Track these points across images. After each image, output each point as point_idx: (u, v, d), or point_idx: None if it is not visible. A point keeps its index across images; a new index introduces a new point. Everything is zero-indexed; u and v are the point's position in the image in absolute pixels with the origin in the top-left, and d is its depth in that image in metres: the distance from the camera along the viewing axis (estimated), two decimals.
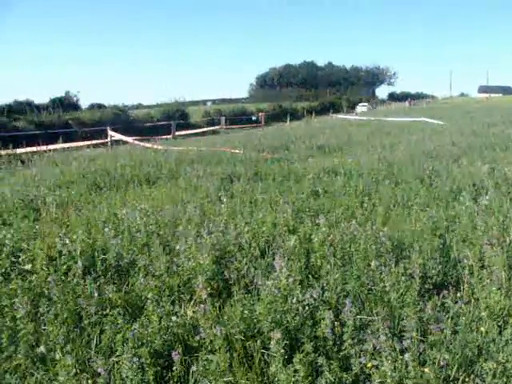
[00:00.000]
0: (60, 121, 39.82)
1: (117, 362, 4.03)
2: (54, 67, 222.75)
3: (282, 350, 3.78)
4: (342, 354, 4.11)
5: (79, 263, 5.68)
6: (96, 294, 5.03)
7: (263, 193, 9.69)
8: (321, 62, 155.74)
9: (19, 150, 20.55)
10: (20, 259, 6.24)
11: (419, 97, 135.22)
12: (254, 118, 56.92)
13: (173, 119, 38.98)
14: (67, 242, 6.44)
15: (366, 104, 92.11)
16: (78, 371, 4.04)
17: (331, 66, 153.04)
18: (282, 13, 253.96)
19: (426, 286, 5.41)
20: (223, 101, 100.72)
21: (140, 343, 4.15)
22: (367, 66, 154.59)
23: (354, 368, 3.88)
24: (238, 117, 55.92)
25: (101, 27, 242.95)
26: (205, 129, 43.14)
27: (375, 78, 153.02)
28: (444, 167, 12.14)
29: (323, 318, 4.29)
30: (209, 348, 4.20)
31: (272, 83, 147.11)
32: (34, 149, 21.04)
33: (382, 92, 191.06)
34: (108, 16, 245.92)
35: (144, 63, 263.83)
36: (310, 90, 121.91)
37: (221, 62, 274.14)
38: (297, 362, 3.65)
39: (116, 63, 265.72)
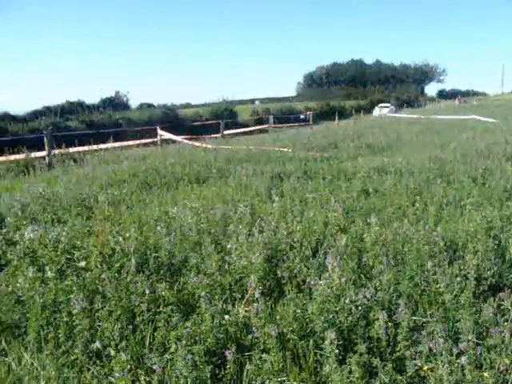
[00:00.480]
0: (110, 120, 40.71)
1: (170, 360, 4.08)
2: (104, 66, 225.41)
3: (336, 351, 3.77)
4: (395, 355, 4.06)
5: (132, 261, 5.76)
6: (148, 292, 5.09)
7: (313, 192, 9.63)
8: (369, 60, 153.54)
9: (72, 149, 20.94)
10: (74, 256, 6.36)
11: (469, 94, 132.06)
12: (302, 116, 56.60)
13: (221, 118, 39.13)
14: (120, 239, 6.54)
15: (387, 105, 72.86)
16: (133, 367, 4.11)
17: (379, 64, 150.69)
18: (327, 11, 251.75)
19: (481, 288, 5.30)
20: (271, 99, 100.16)
21: (193, 341, 4.18)
22: (416, 63, 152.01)
23: (408, 370, 3.82)
24: (285, 115, 55.79)
25: (148, 25, 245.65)
26: (253, 128, 43.09)
27: (424, 75, 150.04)
28: (497, 166, 11.87)
29: (377, 319, 4.26)
30: (261, 347, 4.22)
31: (320, 81, 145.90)
32: (85, 148, 21.40)
33: (431, 89, 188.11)
34: (155, 14, 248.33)
35: (192, 62, 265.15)
36: (358, 88, 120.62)
37: (268, 60, 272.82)
38: (353, 362, 3.63)
39: (164, 62, 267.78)
